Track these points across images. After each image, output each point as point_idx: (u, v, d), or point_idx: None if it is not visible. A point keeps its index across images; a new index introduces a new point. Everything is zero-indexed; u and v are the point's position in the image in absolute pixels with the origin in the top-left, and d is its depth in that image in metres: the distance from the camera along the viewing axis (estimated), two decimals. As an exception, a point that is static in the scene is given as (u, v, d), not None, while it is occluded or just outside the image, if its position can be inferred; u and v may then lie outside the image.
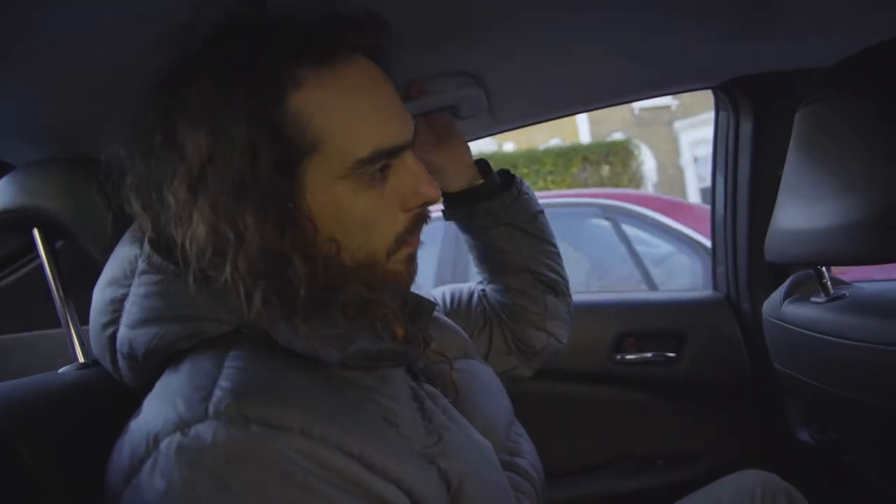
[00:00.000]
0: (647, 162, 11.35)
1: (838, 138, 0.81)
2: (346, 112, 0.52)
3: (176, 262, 0.51)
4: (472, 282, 0.96)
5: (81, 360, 0.72)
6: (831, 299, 0.90)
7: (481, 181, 0.86)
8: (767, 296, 1.07)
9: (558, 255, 0.91)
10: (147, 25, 0.50)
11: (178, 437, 0.42)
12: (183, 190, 0.48)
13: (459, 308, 0.89)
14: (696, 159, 11.51)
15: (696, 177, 11.52)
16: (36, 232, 0.73)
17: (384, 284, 0.56)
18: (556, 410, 1.33)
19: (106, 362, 0.55)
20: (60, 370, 0.69)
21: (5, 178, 0.73)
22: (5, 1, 0.52)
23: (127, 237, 0.57)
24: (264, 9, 0.52)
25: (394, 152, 0.54)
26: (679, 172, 11.62)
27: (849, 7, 0.90)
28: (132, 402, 0.51)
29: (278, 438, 0.43)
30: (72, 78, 0.65)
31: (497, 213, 0.85)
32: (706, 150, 11.14)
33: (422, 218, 0.59)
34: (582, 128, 11.25)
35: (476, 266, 0.93)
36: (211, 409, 0.43)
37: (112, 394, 0.56)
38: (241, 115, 0.48)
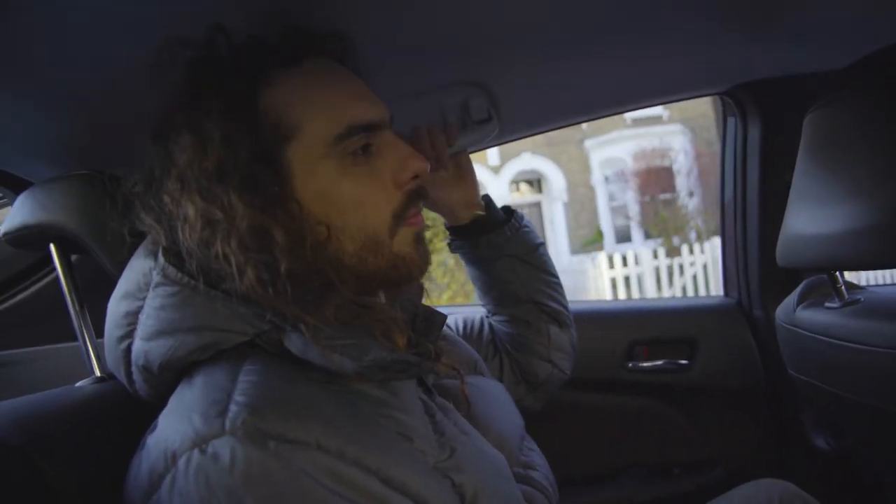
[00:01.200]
0: (558, 182, 11.46)
1: (848, 142, 0.80)
2: (317, 97, 0.56)
3: (191, 275, 0.52)
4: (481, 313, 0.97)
5: (98, 373, 0.73)
6: (846, 304, 0.89)
7: (483, 214, 0.88)
8: (779, 301, 1.06)
9: (560, 286, 0.93)
10: (143, 54, 0.54)
11: (196, 454, 0.43)
12: (176, 188, 0.52)
13: (472, 335, 0.91)
14: (606, 178, 11.59)
15: (607, 195, 11.59)
16: (52, 247, 0.74)
17: (398, 280, 0.59)
18: (568, 418, 1.32)
19: (121, 375, 0.56)
20: (77, 384, 0.70)
21: (23, 195, 0.74)
22: (22, 21, 0.53)
23: (141, 251, 0.58)
24: (227, 34, 0.57)
25: (369, 128, 0.57)
26: (590, 192, 11.67)
27: (857, 11, 0.90)
28: (148, 414, 0.52)
29: (296, 454, 0.43)
30: (87, 96, 0.66)
31: (499, 245, 0.87)
32: (616, 169, 11.12)
33: (418, 194, 0.60)
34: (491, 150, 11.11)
35: (481, 298, 0.95)
36: (228, 424, 0.43)
37: (128, 407, 0.57)
38: (213, 113, 0.53)
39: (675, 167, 10.74)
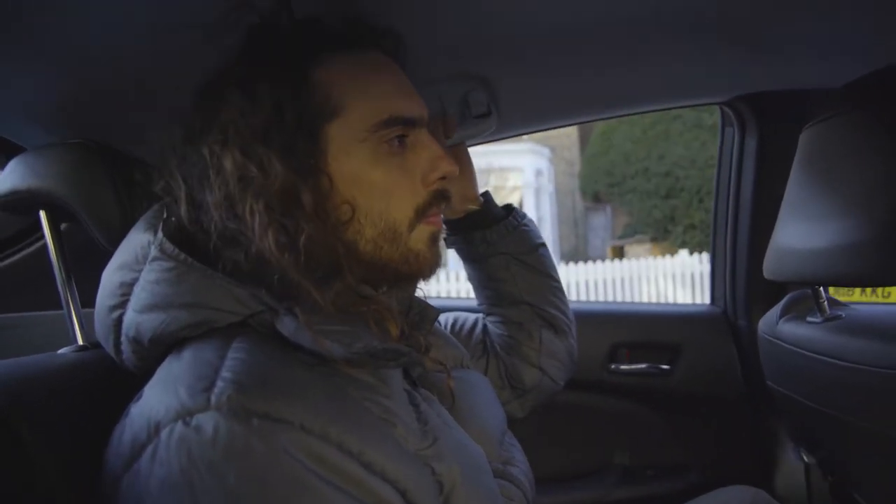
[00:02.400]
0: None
1: (842, 159, 0.81)
2: (364, 83, 0.58)
3: (188, 252, 0.52)
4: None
5: (80, 342, 0.73)
6: (827, 319, 0.91)
7: (478, 209, 0.87)
8: (764, 313, 1.07)
9: (561, 290, 0.91)
10: (169, 16, 0.54)
11: (179, 426, 0.43)
12: (218, 141, 0.53)
13: (461, 335, 0.90)
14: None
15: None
16: (42, 214, 0.74)
17: (407, 275, 0.60)
18: (548, 416, 1.33)
19: (108, 345, 0.56)
20: (59, 351, 0.70)
21: (15, 160, 0.73)
22: None
23: (141, 224, 0.58)
24: (291, 11, 0.59)
25: (409, 122, 0.59)
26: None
27: (859, 30, 0.91)
28: (130, 385, 0.52)
29: (278, 433, 0.43)
30: (85, 63, 0.66)
31: (494, 242, 0.87)
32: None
33: (442, 195, 0.61)
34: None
35: (476, 296, 0.94)
36: (213, 399, 0.43)
37: (111, 376, 0.57)
38: (266, 77, 0.54)
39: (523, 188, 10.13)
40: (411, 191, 0.59)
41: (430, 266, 0.61)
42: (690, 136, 8.42)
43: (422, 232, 0.60)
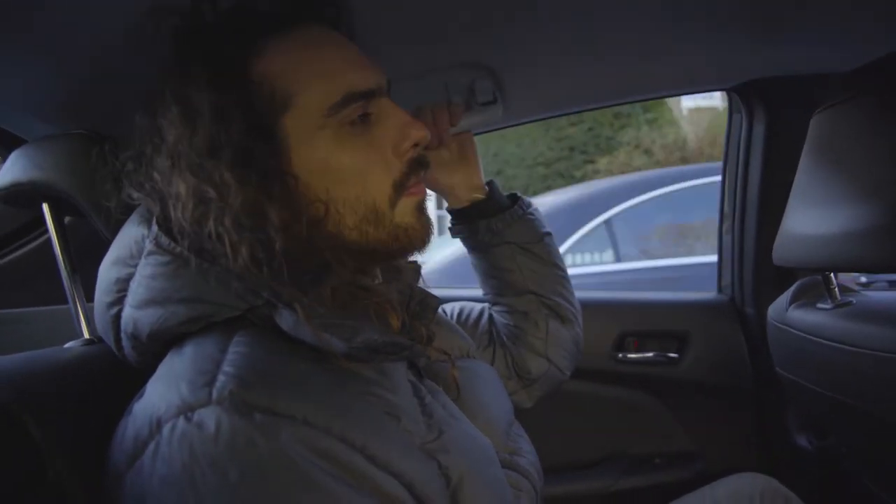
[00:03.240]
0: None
1: (853, 145, 0.80)
2: (310, 65, 0.54)
3: (184, 245, 0.51)
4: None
5: (87, 336, 0.72)
6: (838, 306, 0.90)
7: (483, 198, 0.86)
8: (772, 300, 1.07)
9: (566, 279, 0.90)
10: (131, 21, 0.53)
11: (181, 421, 0.42)
12: (166, 165, 0.51)
13: (466, 324, 0.89)
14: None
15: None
16: (45, 207, 0.73)
17: (400, 251, 0.58)
18: (555, 405, 1.33)
19: (110, 340, 0.56)
20: (66, 345, 0.69)
21: (16, 152, 0.73)
22: None
23: (135, 217, 0.57)
24: (212, 1, 0.54)
25: (367, 95, 0.55)
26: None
27: (868, 14, 0.90)
28: (136, 379, 0.52)
29: (281, 427, 0.43)
30: (86, 54, 0.65)
31: (499, 231, 0.85)
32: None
33: (419, 163, 0.59)
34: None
35: (481, 286, 0.93)
36: (215, 394, 0.43)
37: (117, 370, 0.57)
38: (202, 85, 0.51)
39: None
40: (385, 166, 0.56)
41: (421, 237, 0.60)
42: (523, 133, 8.10)
43: (406, 205, 0.58)
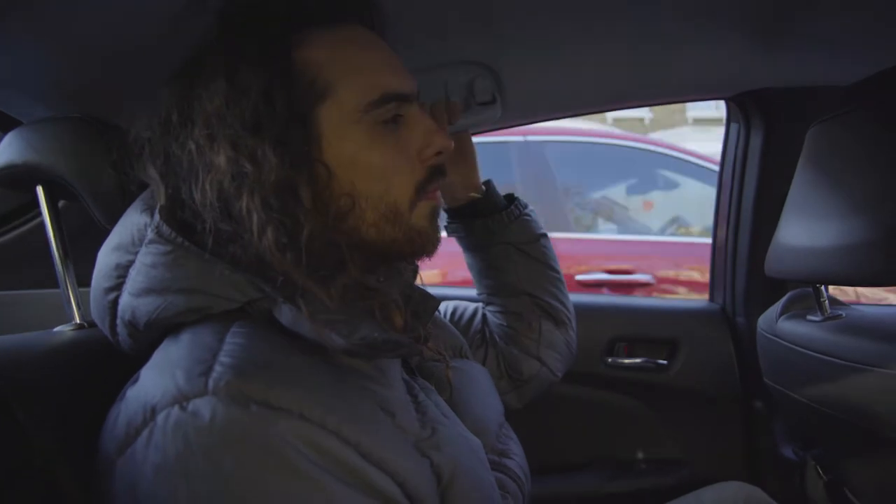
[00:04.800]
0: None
1: (848, 158, 0.81)
2: (351, 60, 0.55)
3: (186, 236, 0.51)
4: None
5: (77, 320, 0.72)
6: (827, 318, 0.90)
7: (479, 197, 0.86)
8: (763, 310, 1.07)
9: (561, 282, 0.90)
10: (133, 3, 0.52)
11: (175, 410, 0.42)
12: (203, 137, 0.51)
13: (460, 323, 0.89)
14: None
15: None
16: (40, 189, 0.73)
17: (411, 254, 0.59)
18: (543, 407, 1.33)
19: (105, 326, 0.55)
20: (55, 329, 0.69)
21: (12, 133, 0.72)
22: None
23: (138, 204, 0.57)
24: None
25: (402, 98, 0.57)
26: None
27: (869, 29, 0.90)
28: (127, 364, 0.51)
29: (277, 420, 0.43)
30: (85, 37, 0.65)
31: (495, 230, 0.86)
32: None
33: (438, 170, 0.60)
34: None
35: (476, 286, 0.93)
36: (211, 384, 0.43)
37: (107, 355, 0.56)
38: (253, 63, 0.51)
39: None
40: (409, 169, 0.57)
41: (433, 242, 0.60)
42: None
43: (423, 209, 0.59)
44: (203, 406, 0.42)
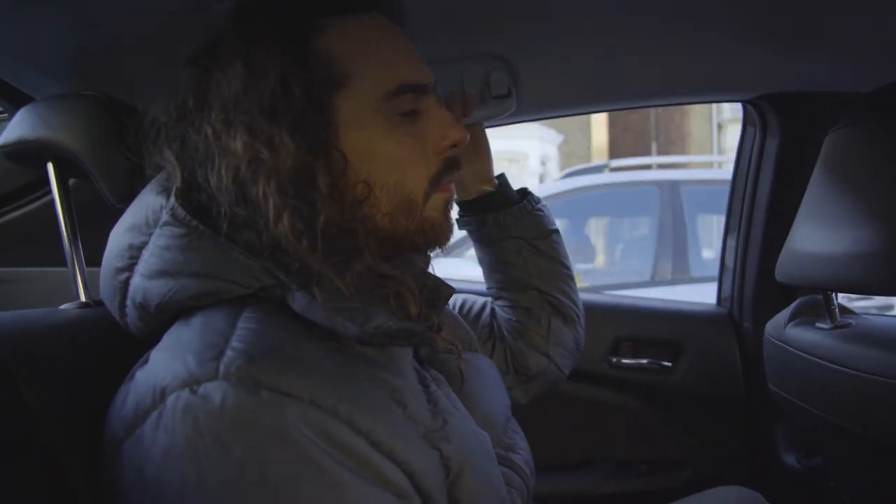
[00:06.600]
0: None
1: (865, 166, 0.80)
2: (369, 50, 0.55)
3: (201, 219, 0.51)
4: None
5: (83, 299, 0.72)
6: (837, 326, 0.90)
7: (492, 190, 0.85)
8: (770, 316, 1.06)
9: (571, 278, 0.90)
10: None
11: (186, 393, 0.42)
12: (219, 122, 0.50)
13: (468, 317, 0.88)
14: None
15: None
16: (50, 166, 0.73)
17: (424, 245, 0.59)
18: (546, 404, 1.32)
19: (113, 307, 0.55)
20: (62, 307, 0.69)
21: (25, 109, 0.72)
22: None
23: (154, 185, 0.56)
24: None
25: (419, 89, 0.56)
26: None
27: (890, 37, 0.89)
28: (132, 344, 0.51)
29: (287, 407, 0.42)
30: (103, 13, 0.64)
31: (507, 225, 0.85)
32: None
33: (453, 163, 0.60)
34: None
35: (486, 280, 0.92)
36: (222, 368, 0.42)
37: (113, 335, 0.56)
38: (271, 49, 0.51)
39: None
40: (425, 160, 0.57)
41: (445, 234, 0.60)
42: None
43: (437, 200, 0.58)
44: (213, 391, 0.42)
